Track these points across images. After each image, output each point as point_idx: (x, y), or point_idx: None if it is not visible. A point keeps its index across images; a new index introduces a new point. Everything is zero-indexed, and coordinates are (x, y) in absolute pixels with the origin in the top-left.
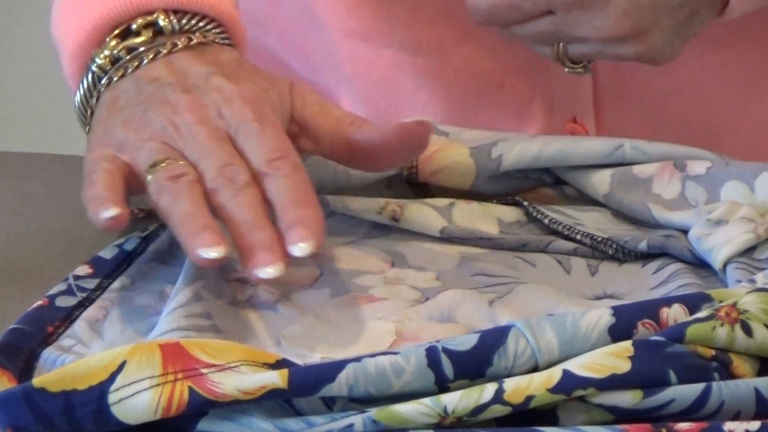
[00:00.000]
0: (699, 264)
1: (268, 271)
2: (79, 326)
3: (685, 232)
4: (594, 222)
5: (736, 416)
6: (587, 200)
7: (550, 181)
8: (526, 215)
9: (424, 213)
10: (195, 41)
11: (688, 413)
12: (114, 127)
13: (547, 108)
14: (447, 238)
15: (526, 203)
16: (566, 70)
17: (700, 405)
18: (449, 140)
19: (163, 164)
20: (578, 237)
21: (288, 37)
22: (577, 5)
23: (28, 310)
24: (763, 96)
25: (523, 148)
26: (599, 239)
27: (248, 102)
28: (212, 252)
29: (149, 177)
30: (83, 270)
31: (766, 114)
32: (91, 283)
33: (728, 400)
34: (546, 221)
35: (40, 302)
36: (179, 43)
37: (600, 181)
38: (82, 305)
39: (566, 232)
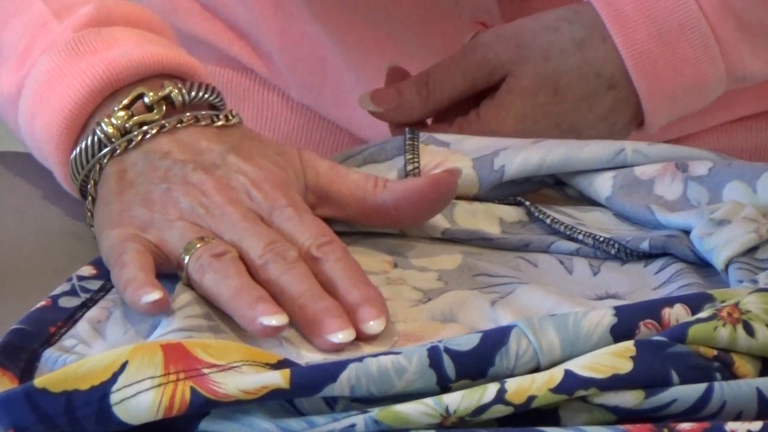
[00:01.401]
0: (701, 264)
1: (340, 336)
2: (82, 327)
3: (687, 232)
4: (596, 222)
5: (738, 416)
6: (589, 201)
7: (551, 183)
8: (528, 215)
9: (427, 222)
10: (202, 122)
11: (690, 413)
12: (132, 206)
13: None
14: (449, 238)
15: (528, 203)
16: None
17: (702, 405)
18: (451, 151)
19: (200, 244)
20: (580, 237)
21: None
22: None
23: (30, 311)
24: None
25: (526, 157)
26: (601, 239)
27: (277, 186)
28: (274, 320)
29: (186, 257)
30: (87, 271)
31: None
32: (95, 284)
33: (730, 400)
34: (548, 221)
35: (42, 303)
36: (184, 120)
37: (602, 185)
38: (86, 306)
39: (568, 232)
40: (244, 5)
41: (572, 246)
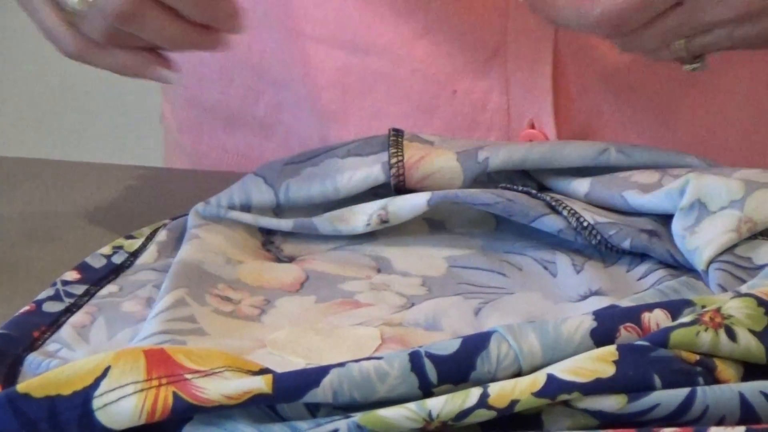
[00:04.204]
0: (684, 269)
1: None
2: (66, 331)
3: (663, 216)
4: (581, 206)
5: (720, 421)
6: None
7: (535, 189)
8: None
9: (408, 198)
10: None
11: (672, 418)
12: None
13: (503, 114)
14: (435, 223)
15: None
16: (686, 67)
17: (685, 410)
18: (435, 147)
19: None
20: (564, 213)
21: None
22: None
23: (14, 316)
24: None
25: (509, 150)
26: (585, 224)
27: None
28: None
29: None
30: (71, 275)
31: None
32: (79, 289)
33: (713, 405)
34: (533, 192)
35: (27, 307)
36: None
37: (580, 184)
38: (69, 311)
39: (553, 203)
40: None
41: (555, 224)
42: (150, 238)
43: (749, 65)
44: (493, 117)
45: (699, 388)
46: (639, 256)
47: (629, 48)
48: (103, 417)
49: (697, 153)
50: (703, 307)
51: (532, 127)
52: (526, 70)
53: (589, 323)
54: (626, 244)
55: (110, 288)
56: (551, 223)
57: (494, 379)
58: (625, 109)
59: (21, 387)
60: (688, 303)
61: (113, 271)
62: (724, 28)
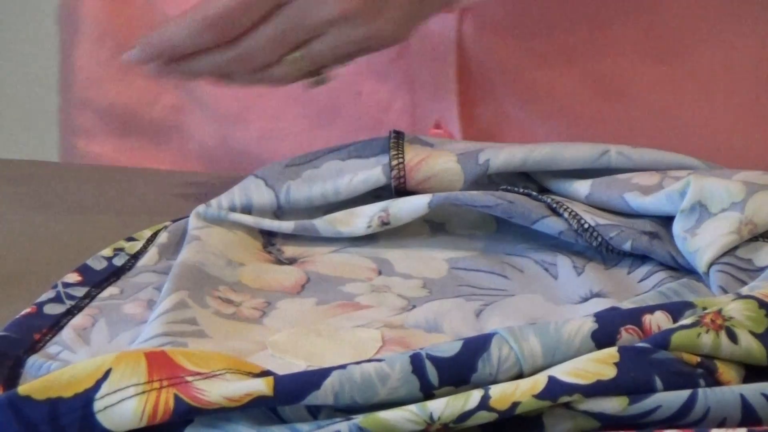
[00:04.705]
0: (684, 270)
1: None
2: (67, 334)
3: (663, 218)
4: (582, 207)
5: (722, 423)
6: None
7: (535, 191)
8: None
9: (409, 200)
10: None
11: (674, 420)
12: None
13: (408, 114)
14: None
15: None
16: (308, 83)
17: (686, 412)
18: (435, 149)
19: None
20: (565, 215)
21: None
22: None
23: (15, 318)
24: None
25: (510, 152)
26: (586, 226)
27: None
28: None
29: None
30: (72, 278)
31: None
32: (80, 291)
33: (714, 406)
34: (533, 194)
35: (28, 310)
36: None
37: (581, 185)
38: (71, 313)
39: (554, 205)
40: None
41: (556, 226)
42: (151, 240)
43: (655, 68)
44: (398, 118)
45: (700, 390)
46: (640, 258)
47: (245, 66)
48: (104, 419)
49: None
50: (704, 309)
51: (438, 127)
52: (430, 70)
53: (590, 325)
54: (627, 246)
55: (111, 290)
56: (552, 225)
57: (495, 381)
58: (530, 109)
59: (22, 389)
60: (689, 305)
61: (114, 274)
62: (335, 30)
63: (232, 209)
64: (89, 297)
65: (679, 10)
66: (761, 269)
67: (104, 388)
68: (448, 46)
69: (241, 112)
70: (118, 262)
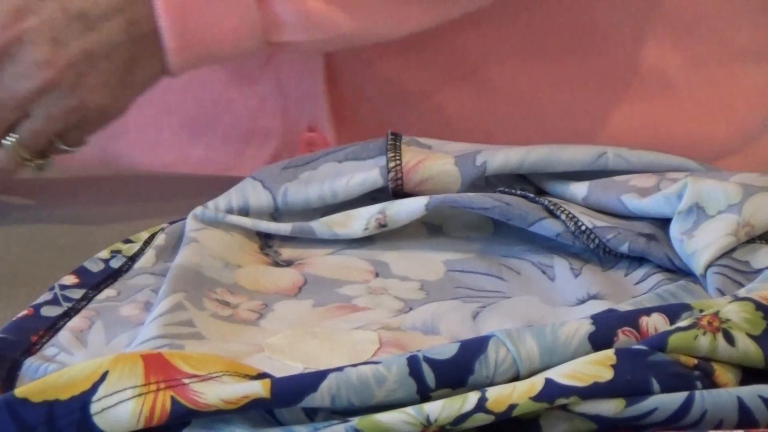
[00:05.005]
0: (682, 273)
1: None
2: (64, 336)
3: (661, 220)
4: (579, 209)
5: (718, 425)
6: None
7: (533, 193)
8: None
9: (406, 202)
10: None
11: (670, 422)
12: None
13: (280, 119)
14: (435, 229)
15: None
16: (31, 166)
17: (683, 414)
18: (432, 151)
19: None
20: (562, 217)
21: None
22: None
23: (12, 320)
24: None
25: (507, 154)
26: (583, 228)
27: None
28: None
29: None
30: (69, 280)
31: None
32: (77, 293)
33: (711, 409)
34: (531, 196)
35: (25, 312)
36: None
37: (578, 187)
38: (68, 315)
39: (551, 207)
40: None
41: (553, 228)
42: (148, 242)
43: (523, 64)
44: (271, 122)
45: (697, 392)
46: (637, 260)
47: None
48: (101, 422)
49: None
50: (701, 311)
51: (312, 130)
52: (300, 75)
53: (587, 327)
54: (624, 248)
55: (108, 292)
56: (549, 226)
57: (492, 384)
58: (402, 111)
59: (19, 391)
60: (686, 307)
61: (111, 276)
62: (41, 105)
63: (229, 211)
64: (86, 299)
65: (557, 8)
66: (758, 271)
67: (101, 390)
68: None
69: (118, 124)
70: (115, 264)
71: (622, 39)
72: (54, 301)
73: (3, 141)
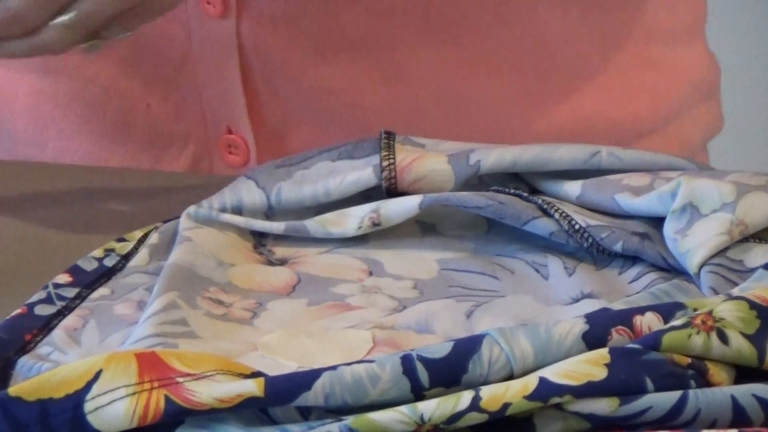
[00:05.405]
0: (675, 271)
1: None
2: (57, 335)
3: (655, 219)
4: (572, 208)
5: (712, 424)
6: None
7: (526, 192)
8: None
9: (400, 201)
10: None
11: (664, 421)
12: None
13: (198, 122)
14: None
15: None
16: (81, 48)
17: (677, 413)
18: (426, 150)
19: None
20: (556, 216)
21: None
22: None
23: (5, 319)
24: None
25: (501, 153)
26: (577, 227)
27: None
28: None
29: None
30: (63, 278)
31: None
32: (71, 292)
33: (705, 408)
34: (524, 195)
35: (18, 310)
36: None
37: (572, 186)
38: (61, 314)
39: (545, 206)
40: None
41: (546, 227)
42: (142, 241)
43: (430, 50)
44: (189, 127)
45: (691, 391)
46: (631, 259)
47: (10, 30)
48: (94, 420)
49: None
50: (695, 310)
51: (230, 132)
52: (216, 77)
53: (581, 326)
54: (618, 247)
55: (102, 291)
56: (543, 225)
57: (486, 383)
58: (318, 107)
59: (12, 390)
60: (680, 306)
61: (105, 274)
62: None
63: (223, 210)
64: (80, 298)
65: None
66: (752, 270)
67: (95, 389)
68: (230, 49)
69: (36, 136)
70: (109, 262)
71: (529, 17)
72: (47, 300)
73: (57, 19)
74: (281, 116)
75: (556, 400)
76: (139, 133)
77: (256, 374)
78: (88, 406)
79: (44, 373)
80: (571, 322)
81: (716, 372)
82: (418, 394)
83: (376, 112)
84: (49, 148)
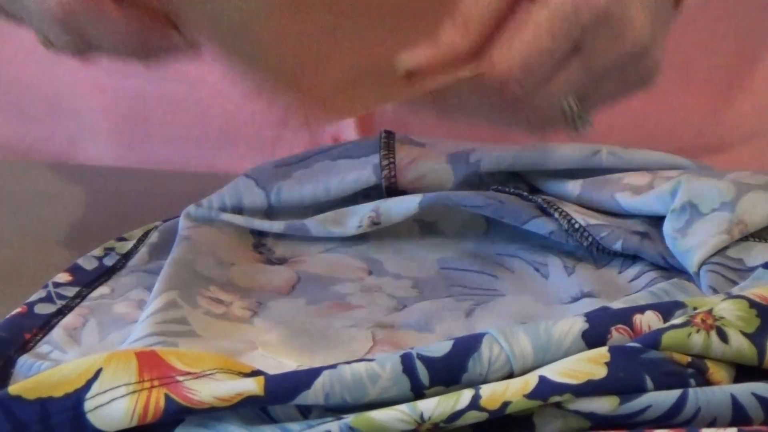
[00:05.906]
0: (675, 270)
1: None
2: (57, 333)
3: (655, 218)
4: (572, 208)
5: (712, 423)
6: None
7: (526, 191)
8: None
9: (399, 200)
10: None
11: (664, 419)
12: None
13: (303, 130)
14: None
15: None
16: (575, 129)
17: (677, 411)
18: (426, 149)
19: None
20: (556, 215)
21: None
22: (602, 15)
23: (5, 318)
24: None
25: (501, 152)
26: (576, 226)
27: None
28: None
29: None
30: (63, 277)
31: None
32: (71, 291)
33: (704, 406)
34: (524, 194)
35: (18, 309)
36: None
37: (573, 186)
38: (61, 313)
39: (545, 206)
40: None
41: (546, 226)
42: (141, 240)
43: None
44: (294, 134)
45: (691, 390)
46: (630, 257)
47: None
48: (94, 419)
49: None
50: (695, 308)
51: (336, 140)
52: None
53: (581, 325)
54: (618, 246)
55: (102, 290)
56: (543, 225)
57: (486, 381)
58: (429, 112)
59: (12, 389)
60: (680, 305)
61: (105, 273)
62: (620, 83)
63: (223, 209)
64: (80, 297)
65: None
66: (752, 269)
67: (95, 387)
68: None
69: (141, 139)
70: (109, 261)
71: None
72: (48, 299)
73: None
74: (393, 126)
75: (556, 398)
76: (244, 139)
77: (256, 373)
78: (88, 405)
79: (44, 371)
80: (571, 321)
81: (716, 371)
82: (418, 392)
83: None
84: (153, 152)
